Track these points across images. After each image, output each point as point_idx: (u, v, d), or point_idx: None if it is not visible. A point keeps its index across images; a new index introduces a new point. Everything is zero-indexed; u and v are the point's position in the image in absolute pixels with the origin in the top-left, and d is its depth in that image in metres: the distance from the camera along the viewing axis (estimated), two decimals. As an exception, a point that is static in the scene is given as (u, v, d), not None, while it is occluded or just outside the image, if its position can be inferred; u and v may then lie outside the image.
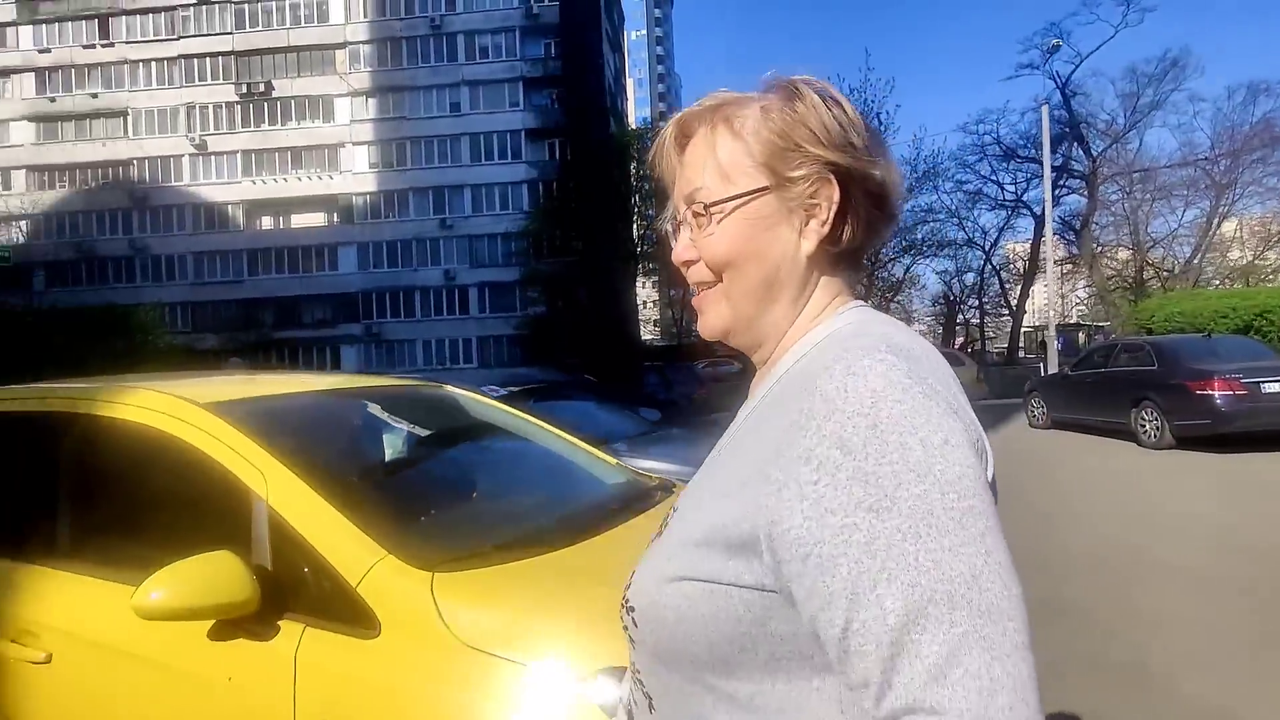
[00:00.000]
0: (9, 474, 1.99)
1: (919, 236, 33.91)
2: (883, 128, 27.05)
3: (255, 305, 40.20)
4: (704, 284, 0.77)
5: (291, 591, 1.49)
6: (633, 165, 37.35)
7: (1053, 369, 16.45)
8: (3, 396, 2.09)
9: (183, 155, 41.20)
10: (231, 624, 1.46)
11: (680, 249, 0.77)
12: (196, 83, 41.07)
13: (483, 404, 2.64)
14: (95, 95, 41.00)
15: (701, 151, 0.75)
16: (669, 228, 0.81)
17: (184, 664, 1.51)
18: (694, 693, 0.65)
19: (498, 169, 40.06)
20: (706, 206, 0.73)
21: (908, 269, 39.15)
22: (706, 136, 0.75)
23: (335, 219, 41.08)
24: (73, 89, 41.21)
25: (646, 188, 37.92)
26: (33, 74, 41.16)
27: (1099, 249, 32.83)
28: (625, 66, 60.60)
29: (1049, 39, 29.28)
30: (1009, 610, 0.52)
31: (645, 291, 46.94)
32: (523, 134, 40.16)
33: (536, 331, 37.39)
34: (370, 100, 40.52)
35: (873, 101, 27.10)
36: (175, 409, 1.77)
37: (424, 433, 2.36)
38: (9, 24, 40.66)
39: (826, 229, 0.72)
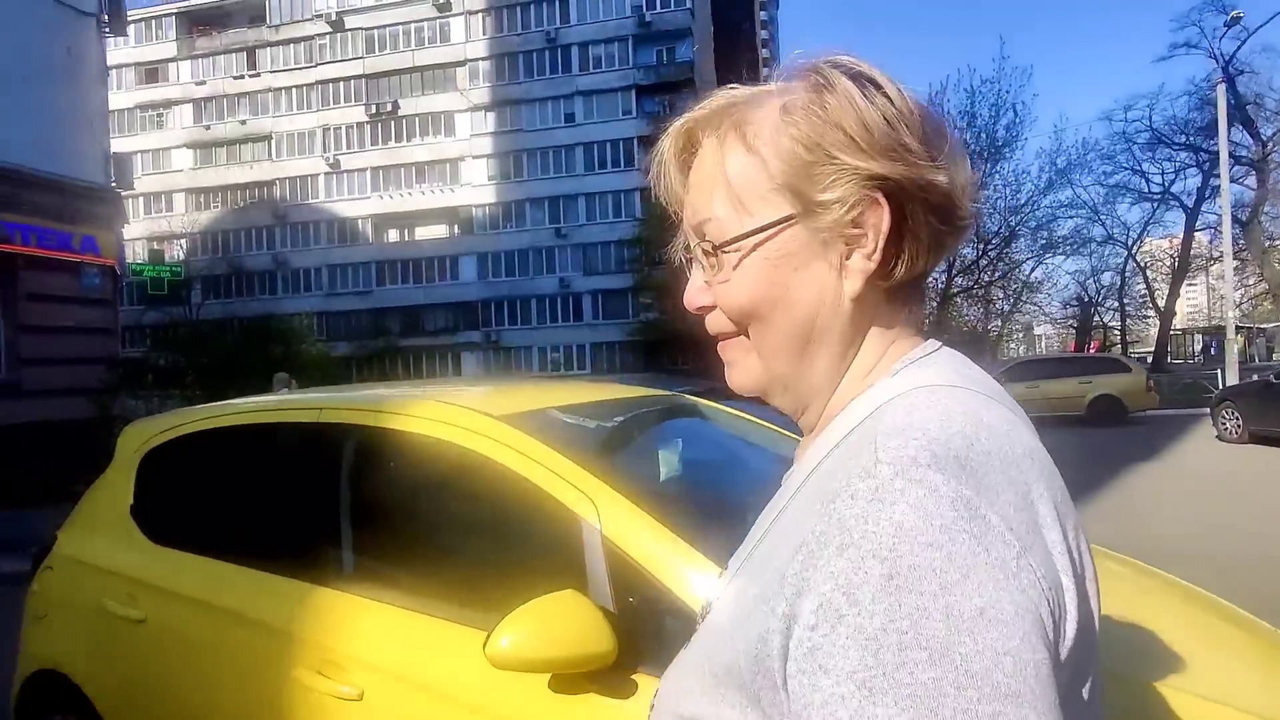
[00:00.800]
0: (290, 490, 1.90)
1: (1061, 235, 31.38)
2: (1019, 120, 25.44)
3: (382, 314, 42.22)
4: (726, 334, 0.62)
5: (643, 639, 1.28)
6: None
7: (1232, 376, 14.84)
8: (277, 408, 2.02)
9: (318, 174, 43.93)
10: (583, 676, 1.25)
11: (692, 293, 0.62)
12: (331, 106, 43.67)
13: (728, 414, 2.41)
14: (244, 122, 44.35)
15: (709, 170, 0.59)
16: (682, 259, 0.64)
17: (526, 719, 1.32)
18: None
19: (611, 177, 40.50)
20: (716, 247, 0.58)
21: (1038, 268, 36.63)
22: (714, 150, 0.59)
23: (456, 230, 42.68)
24: (224, 116, 44.75)
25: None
26: (190, 105, 44.97)
27: (1271, 243, 29.64)
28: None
29: (1211, 13, 26.66)
30: None
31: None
32: (635, 141, 40.38)
33: (650, 337, 37.50)
34: (489, 114, 41.88)
35: (1007, 92, 25.40)
36: (468, 421, 1.61)
37: (706, 446, 2.14)
38: (171, 60, 44.56)
39: (875, 262, 0.55)
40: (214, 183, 44.80)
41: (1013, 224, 26.51)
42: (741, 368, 0.61)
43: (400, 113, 42.80)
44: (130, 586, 1.94)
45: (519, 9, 41.71)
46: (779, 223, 0.56)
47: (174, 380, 11.72)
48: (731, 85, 0.61)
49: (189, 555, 1.91)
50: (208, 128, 44.73)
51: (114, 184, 14.57)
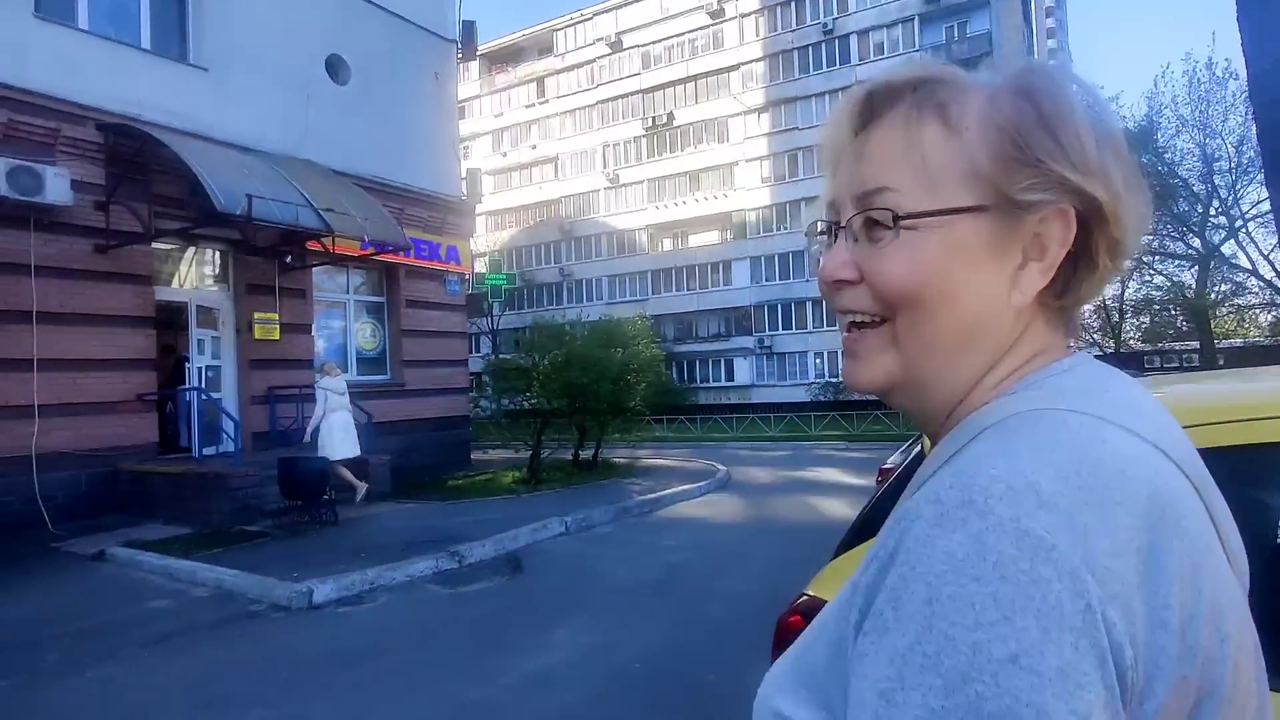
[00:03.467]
0: None
1: None
2: None
3: (657, 321, 43.09)
4: (859, 318, 0.58)
5: None
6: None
7: None
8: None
9: (599, 190, 46.20)
10: None
11: (834, 263, 0.59)
12: (610, 124, 45.71)
13: None
14: (534, 147, 47.99)
15: (895, 139, 0.57)
16: (819, 226, 0.64)
17: None
18: None
19: (894, 169, 37.76)
20: (897, 217, 0.55)
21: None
22: (907, 119, 0.57)
23: (729, 235, 42.45)
24: (517, 144, 48.79)
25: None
26: (490, 135, 49.67)
27: None
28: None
29: None
30: None
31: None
32: (923, 128, 37.33)
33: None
34: (762, 116, 41.18)
35: None
36: None
37: None
38: (475, 97, 49.53)
39: (1048, 278, 0.55)
40: (509, 204, 48.96)
41: None
42: (870, 362, 0.59)
43: (675, 123, 43.61)
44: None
45: (793, 5, 40.55)
46: (970, 210, 0.54)
47: (530, 382, 11.88)
48: (921, 59, 0.60)
49: None
50: (504, 155, 49.04)
51: (466, 198, 15.49)
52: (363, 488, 9.52)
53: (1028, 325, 0.57)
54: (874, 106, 0.59)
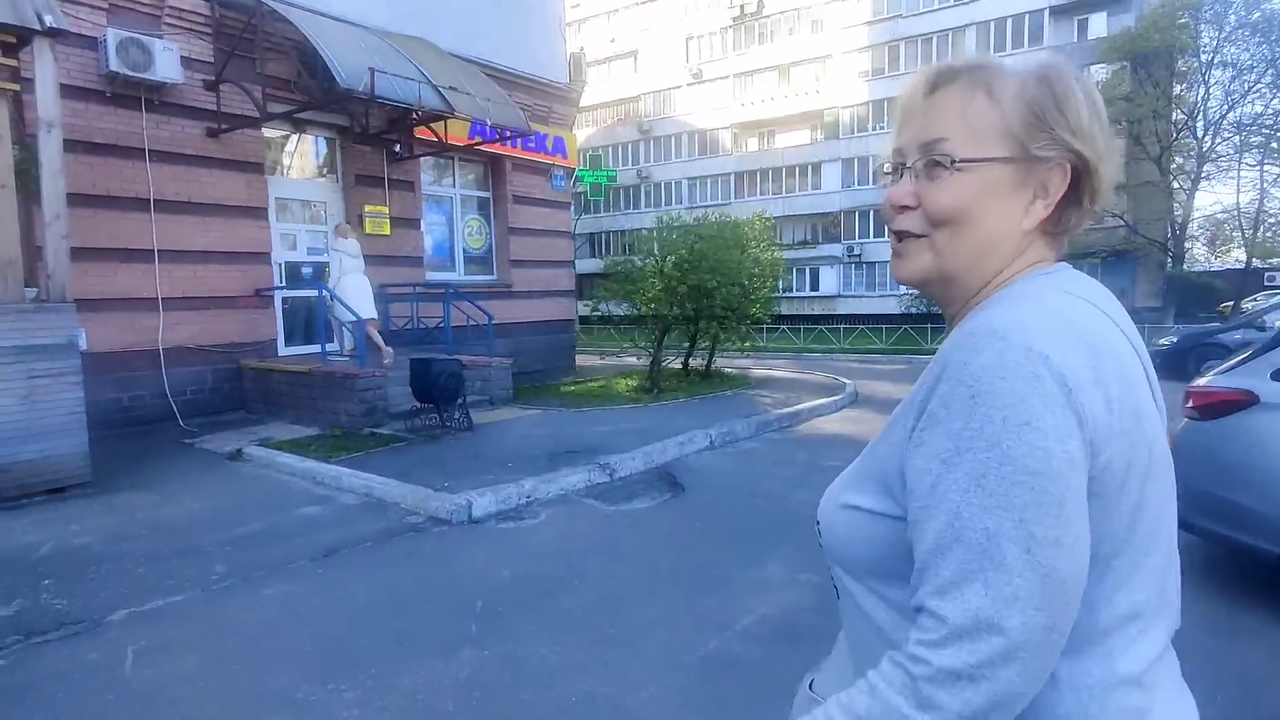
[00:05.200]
0: None
1: None
2: None
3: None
4: (910, 233, 0.83)
5: None
6: (1201, 36, 29.03)
7: None
8: None
9: (680, 86, 43.81)
10: None
11: (900, 192, 0.82)
12: (694, 12, 42.85)
13: None
14: (612, 40, 45.54)
15: (954, 103, 0.80)
16: (886, 166, 0.86)
17: None
18: (861, 591, 0.83)
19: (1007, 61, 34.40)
20: (953, 160, 0.78)
21: None
22: (963, 91, 0.80)
23: (819, 135, 39.95)
24: (594, 36, 46.35)
25: (1219, 60, 29.45)
26: (571, 27, 47.31)
27: None
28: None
29: None
30: (1018, 567, 0.65)
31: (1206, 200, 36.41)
32: (1045, 13, 33.68)
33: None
34: (862, 1, 37.79)
35: None
36: None
37: None
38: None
39: (1048, 211, 0.80)
40: (584, 102, 47.02)
41: None
42: (913, 261, 0.83)
43: (765, 11, 40.56)
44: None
45: (905, -128, 36.41)
46: (1001, 159, 0.78)
47: (652, 284, 11.04)
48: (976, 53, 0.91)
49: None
50: (580, 48, 46.76)
51: (571, 84, 14.33)
52: (389, 352, 9.04)
53: (1031, 243, 0.82)
54: (938, 81, 0.82)
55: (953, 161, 0.78)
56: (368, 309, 9.06)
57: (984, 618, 0.65)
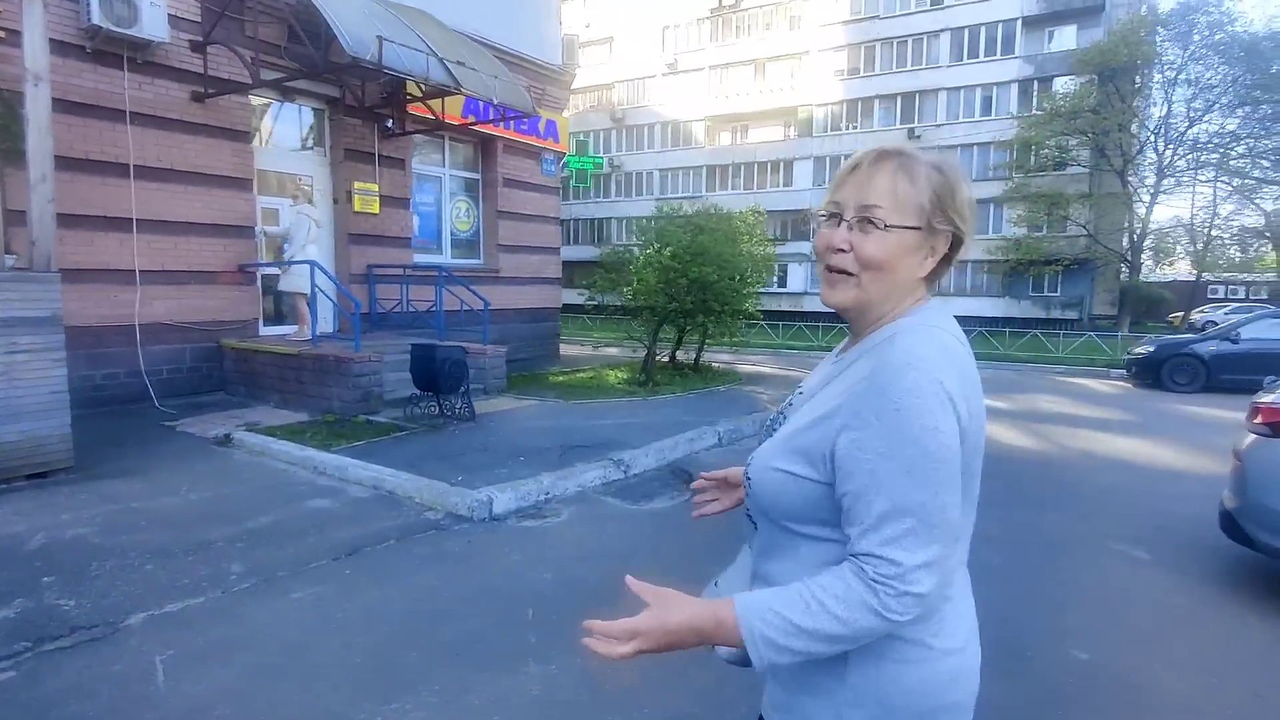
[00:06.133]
0: None
1: None
2: None
3: (709, 221, 41.41)
4: (840, 271, 1.12)
5: None
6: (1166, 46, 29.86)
7: None
8: None
9: (655, 75, 43.45)
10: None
11: (840, 237, 1.11)
12: (672, 3, 42.48)
13: None
14: (588, 25, 44.86)
15: (886, 180, 1.09)
16: (822, 212, 1.15)
17: None
18: (778, 530, 1.15)
19: (982, 68, 34.97)
20: (886, 224, 1.08)
21: None
22: (893, 172, 1.09)
23: (792, 132, 40.03)
24: (569, 20, 45.62)
25: (1183, 77, 30.33)
26: (542, 10, 46.51)
27: None
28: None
29: None
30: (937, 524, 0.99)
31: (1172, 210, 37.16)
32: (1019, 23, 34.25)
33: (1018, 258, 32.61)
34: (840, 0, 37.93)
35: None
36: None
37: None
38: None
39: (931, 266, 1.13)
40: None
41: None
42: (843, 293, 1.12)
43: (743, 5, 40.43)
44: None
45: (887, -127, 36.57)
46: (914, 227, 1.09)
47: (649, 275, 10.82)
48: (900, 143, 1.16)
49: None
50: (574, 31, 45.99)
51: (564, 66, 13.99)
52: (306, 332, 8.73)
53: (917, 286, 1.14)
54: (877, 159, 1.11)
55: (885, 225, 1.07)
56: (307, 282, 8.66)
57: (922, 557, 0.98)
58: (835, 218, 1.11)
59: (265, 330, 9.69)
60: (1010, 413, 10.33)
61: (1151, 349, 13.55)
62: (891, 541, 0.97)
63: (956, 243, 1.12)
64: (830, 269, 1.12)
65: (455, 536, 4.82)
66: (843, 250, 1.09)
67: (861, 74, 37.83)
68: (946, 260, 1.13)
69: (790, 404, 1.24)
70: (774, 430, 1.20)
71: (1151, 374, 13.29)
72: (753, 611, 1.02)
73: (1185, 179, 32.65)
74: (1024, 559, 4.63)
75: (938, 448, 0.98)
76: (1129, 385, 13.89)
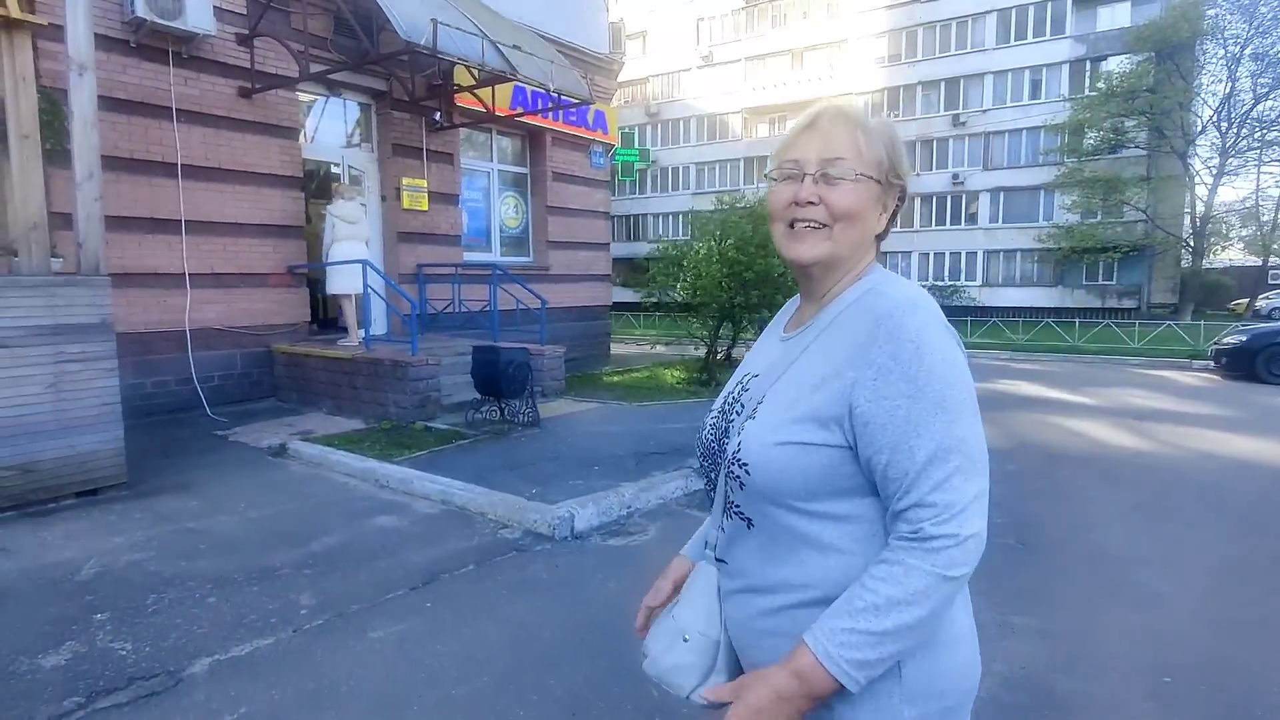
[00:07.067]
0: None
1: None
2: None
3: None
4: (812, 222, 1.09)
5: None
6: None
7: None
8: None
9: (689, 69, 42.83)
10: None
11: (805, 192, 1.08)
12: (705, -7, 41.84)
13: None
14: (620, 20, 44.41)
15: (846, 134, 1.09)
16: (775, 173, 1.14)
17: None
18: (784, 513, 1.06)
19: (1030, 50, 33.77)
20: (856, 174, 1.07)
21: None
22: (851, 127, 1.09)
23: (832, 122, 39.11)
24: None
25: (1253, 49, 28.88)
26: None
27: None
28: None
29: None
30: (979, 457, 0.97)
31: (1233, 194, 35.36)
32: (1069, 1, 32.95)
33: (1069, 245, 31.40)
34: (880, -13, 36.93)
35: None
36: None
37: None
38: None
39: (885, 220, 1.14)
40: (593, 83, 45.95)
41: None
42: (815, 246, 1.10)
43: (779, -6, 39.63)
44: None
45: None
46: (877, 179, 1.10)
47: (709, 270, 10.26)
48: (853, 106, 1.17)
49: None
50: (620, 19, 45.62)
51: (612, 55, 13.48)
52: (357, 337, 8.31)
53: (873, 244, 1.15)
54: (831, 118, 1.11)
55: (856, 174, 1.08)
56: (344, 283, 8.25)
57: (973, 490, 0.96)
58: (795, 176, 1.10)
59: (317, 334, 9.35)
60: (1103, 410, 9.58)
61: (1244, 338, 12.66)
62: (942, 484, 0.95)
63: (900, 200, 1.14)
64: (798, 222, 1.10)
65: (539, 559, 4.34)
66: (812, 203, 1.08)
67: (904, 60, 36.84)
68: (891, 220, 1.15)
69: (744, 388, 1.17)
70: (742, 415, 1.12)
71: (1244, 365, 12.41)
72: (827, 642, 0.96)
73: (1250, 159, 31.17)
74: (1198, 586, 4.01)
75: (960, 378, 0.99)
76: (1216, 377, 13.01)
